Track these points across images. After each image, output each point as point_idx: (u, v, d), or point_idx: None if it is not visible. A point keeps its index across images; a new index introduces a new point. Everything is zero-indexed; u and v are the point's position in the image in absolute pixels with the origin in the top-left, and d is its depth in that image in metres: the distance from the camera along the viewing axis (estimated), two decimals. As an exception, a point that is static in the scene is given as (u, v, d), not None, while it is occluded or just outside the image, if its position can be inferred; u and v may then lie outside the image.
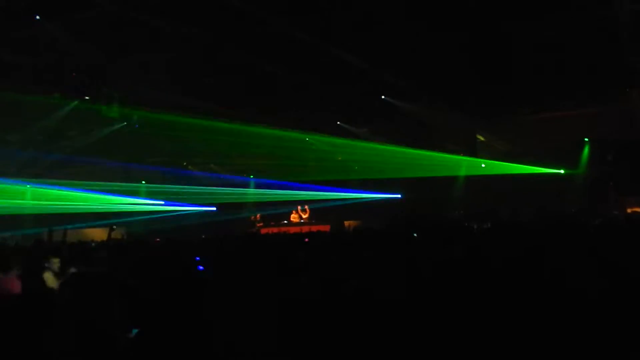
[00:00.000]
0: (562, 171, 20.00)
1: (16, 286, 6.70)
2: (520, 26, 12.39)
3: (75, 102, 14.83)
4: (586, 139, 19.86)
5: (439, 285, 4.29)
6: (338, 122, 19.48)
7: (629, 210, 17.81)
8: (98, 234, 22.17)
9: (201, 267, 5.38)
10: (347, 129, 19.88)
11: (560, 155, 19.51)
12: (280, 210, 25.03)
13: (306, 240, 10.97)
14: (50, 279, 6.67)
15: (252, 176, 24.83)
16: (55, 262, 7.17)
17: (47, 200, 20.94)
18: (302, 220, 24.74)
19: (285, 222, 25.11)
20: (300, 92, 16.10)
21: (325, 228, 20.65)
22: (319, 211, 24.58)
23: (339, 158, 23.33)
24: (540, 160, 19.63)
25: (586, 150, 19.86)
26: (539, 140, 19.20)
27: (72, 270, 7.13)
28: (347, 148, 20.72)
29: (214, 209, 24.29)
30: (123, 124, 16.51)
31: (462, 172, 21.26)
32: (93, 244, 16.16)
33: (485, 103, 17.41)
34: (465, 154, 20.72)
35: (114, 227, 23.08)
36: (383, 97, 17.23)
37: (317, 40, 12.81)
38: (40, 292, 4.81)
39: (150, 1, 10.97)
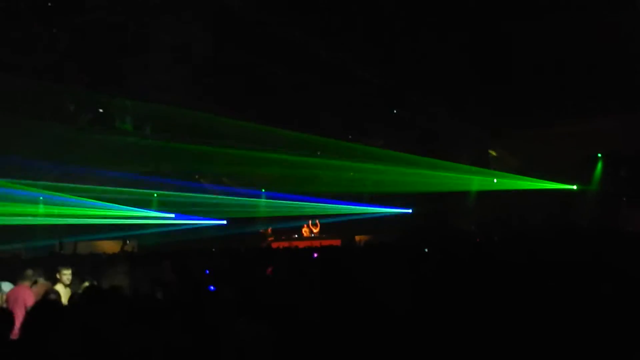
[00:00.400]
0: (574, 187, 19.86)
1: (30, 296, 6.75)
2: (534, 39, 12.37)
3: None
4: (599, 154, 19.73)
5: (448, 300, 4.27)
6: (350, 137, 19.42)
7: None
8: (108, 246, 22.27)
9: (212, 288, 5.33)
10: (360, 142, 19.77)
11: (573, 170, 19.38)
12: (291, 224, 24.98)
13: (315, 255, 10.98)
14: (61, 290, 6.70)
15: (263, 189, 24.82)
16: (67, 274, 7.19)
17: (58, 211, 21.04)
18: (312, 235, 24.74)
19: (296, 236, 25.10)
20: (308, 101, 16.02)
21: (336, 242, 20.63)
22: (330, 225, 24.53)
23: (351, 174, 23.28)
24: (552, 175, 19.50)
25: (599, 165, 19.72)
26: (552, 156, 19.09)
27: (86, 282, 7.17)
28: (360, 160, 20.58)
29: (224, 222, 24.28)
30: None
31: (474, 187, 21.16)
32: (104, 256, 16.25)
33: (498, 118, 17.35)
34: (477, 169, 20.60)
35: (127, 240, 23.29)
36: (395, 110, 17.19)
37: (324, 49, 12.83)
38: (51, 303, 4.82)
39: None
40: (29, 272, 7.95)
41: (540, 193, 19.38)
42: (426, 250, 11.71)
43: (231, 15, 11.19)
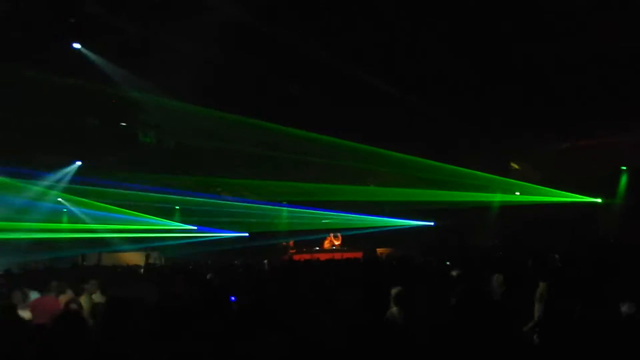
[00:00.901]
0: (599, 200, 19.63)
1: (54, 306, 6.86)
2: (560, 53, 12.30)
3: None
4: (623, 167, 19.49)
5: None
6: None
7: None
8: (131, 258, 22.50)
9: (233, 298, 5.35)
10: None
11: (597, 183, 19.14)
12: (313, 237, 24.97)
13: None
14: (84, 301, 6.79)
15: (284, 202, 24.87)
16: (93, 286, 7.30)
17: (82, 224, 21.35)
18: (334, 247, 24.71)
19: (317, 248, 25.09)
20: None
21: (358, 255, 20.59)
22: (351, 238, 24.49)
23: (371, 185, 23.25)
24: (576, 188, 19.30)
25: (624, 178, 19.48)
26: (576, 168, 18.90)
27: (109, 294, 7.27)
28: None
29: (247, 234, 24.36)
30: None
31: (496, 200, 21.03)
32: (127, 268, 16.42)
33: (521, 130, 17.23)
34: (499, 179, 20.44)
35: (150, 253, 23.51)
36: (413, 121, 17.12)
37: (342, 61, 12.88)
38: (73, 313, 4.90)
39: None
40: (54, 283, 8.11)
41: (564, 208, 19.18)
42: (448, 263, 11.67)
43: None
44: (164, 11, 10.33)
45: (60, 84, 12.46)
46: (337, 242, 25.19)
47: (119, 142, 15.74)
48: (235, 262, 18.41)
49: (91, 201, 19.91)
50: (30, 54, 11.46)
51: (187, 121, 14.90)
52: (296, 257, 21.98)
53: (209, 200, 22.20)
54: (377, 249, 22.40)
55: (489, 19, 10.87)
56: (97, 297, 7.49)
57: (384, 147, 18.67)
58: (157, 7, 10.15)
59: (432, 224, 22.96)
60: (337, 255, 20.65)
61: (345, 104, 15.33)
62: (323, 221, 24.06)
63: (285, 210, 24.69)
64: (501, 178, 20.15)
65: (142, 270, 15.53)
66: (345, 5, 10.27)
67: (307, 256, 21.60)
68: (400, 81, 13.96)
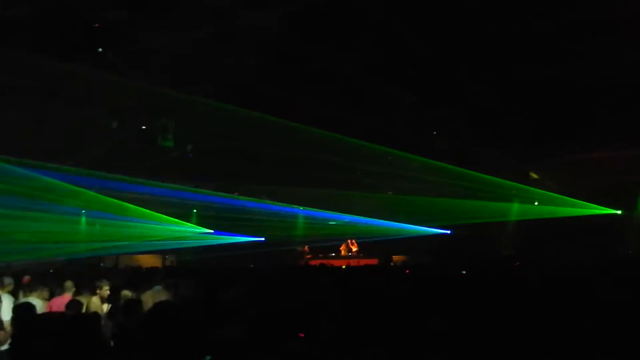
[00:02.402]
0: (619, 212, 19.39)
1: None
2: (580, 64, 12.23)
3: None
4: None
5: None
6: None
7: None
8: (148, 260, 22.63)
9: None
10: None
11: (617, 195, 18.92)
12: (329, 243, 24.95)
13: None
14: (96, 303, 6.84)
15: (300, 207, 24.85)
16: (105, 288, 7.34)
17: (100, 227, 21.51)
18: (350, 254, 24.63)
19: (333, 254, 25.05)
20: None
21: (373, 262, 20.52)
22: (367, 244, 24.44)
23: (389, 192, 23.20)
24: (596, 200, 19.09)
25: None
26: (595, 180, 18.71)
27: (125, 295, 7.30)
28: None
29: (263, 239, 24.39)
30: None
31: (514, 209, 20.87)
32: (143, 270, 16.52)
33: (540, 140, 17.13)
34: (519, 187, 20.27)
35: (167, 256, 23.64)
36: (435, 132, 17.10)
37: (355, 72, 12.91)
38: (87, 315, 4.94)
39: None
40: (69, 283, 8.20)
41: (583, 219, 18.97)
42: (464, 272, 11.57)
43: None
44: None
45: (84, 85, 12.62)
46: (354, 249, 25.07)
47: (142, 146, 15.83)
48: (251, 265, 18.48)
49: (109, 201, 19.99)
50: (56, 57, 11.62)
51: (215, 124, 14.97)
52: (312, 263, 21.95)
53: (225, 203, 22.29)
54: (393, 257, 22.33)
55: (510, 35, 10.89)
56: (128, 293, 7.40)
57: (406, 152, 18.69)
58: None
59: (448, 232, 22.86)
60: (353, 262, 20.60)
61: (369, 113, 15.44)
62: (334, 225, 24.09)
63: (301, 215, 24.71)
64: (520, 185, 20.02)
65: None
66: (371, 22, 10.38)
67: (322, 262, 21.54)
68: (424, 91, 14.03)
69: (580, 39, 11.10)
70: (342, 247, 25.18)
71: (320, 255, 24.83)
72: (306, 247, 25.19)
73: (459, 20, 10.53)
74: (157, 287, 7.53)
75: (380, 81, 13.29)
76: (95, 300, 7.12)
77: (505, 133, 16.76)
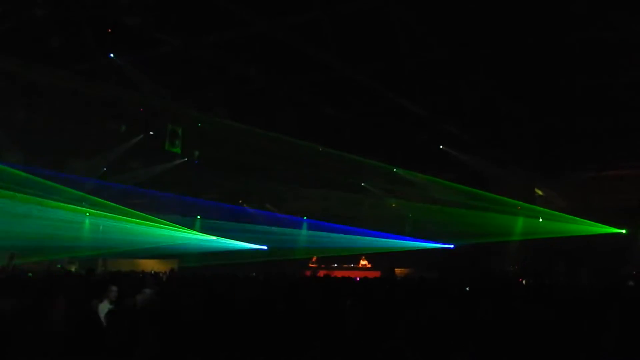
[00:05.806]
0: (624, 231, 19.30)
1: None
2: (593, 85, 12.27)
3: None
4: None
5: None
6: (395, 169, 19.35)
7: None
8: (150, 264, 22.59)
9: None
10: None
11: (624, 214, 18.82)
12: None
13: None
14: (105, 307, 6.80)
15: (305, 217, 24.88)
16: (113, 291, 7.30)
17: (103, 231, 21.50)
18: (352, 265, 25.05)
19: (335, 265, 25.25)
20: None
21: (376, 274, 20.56)
22: (370, 257, 24.64)
23: (393, 205, 23.21)
24: (602, 219, 18.99)
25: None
26: (602, 199, 18.65)
27: (129, 300, 7.29)
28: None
29: (265, 247, 24.40)
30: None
31: (519, 226, 20.78)
32: (141, 275, 16.45)
33: (548, 158, 17.13)
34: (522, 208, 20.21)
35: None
36: (441, 146, 17.10)
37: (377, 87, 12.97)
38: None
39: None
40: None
41: (589, 238, 18.87)
42: (467, 289, 11.52)
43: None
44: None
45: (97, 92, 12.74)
46: (362, 262, 25.71)
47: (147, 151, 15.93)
48: (253, 274, 18.42)
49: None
50: (69, 63, 11.71)
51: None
52: (308, 273, 22.13)
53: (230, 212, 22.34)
54: (395, 269, 22.30)
55: (522, 52, 10.92)
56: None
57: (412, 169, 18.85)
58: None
59: (452, 246, 22.78)
60: (355, 274, 20.58)
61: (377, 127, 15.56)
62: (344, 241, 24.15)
63: (305, 226, 24.77)
64: (526, 204, 19.97)
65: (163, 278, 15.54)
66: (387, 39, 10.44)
67: (337, 273, 21.64)
68: (435, 109, 14.10)
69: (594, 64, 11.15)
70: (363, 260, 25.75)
71: (323, 266, 25.05)
72: (314, 258, 25.49)
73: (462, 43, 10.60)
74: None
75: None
76: (106, 303, 7.07)
77: (513, 150, 16.79)
